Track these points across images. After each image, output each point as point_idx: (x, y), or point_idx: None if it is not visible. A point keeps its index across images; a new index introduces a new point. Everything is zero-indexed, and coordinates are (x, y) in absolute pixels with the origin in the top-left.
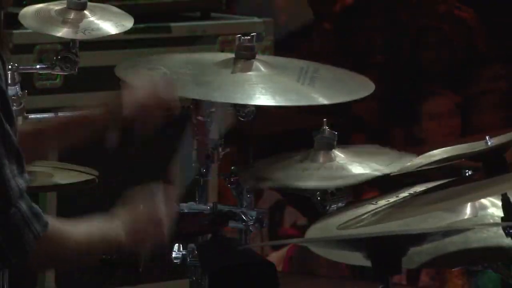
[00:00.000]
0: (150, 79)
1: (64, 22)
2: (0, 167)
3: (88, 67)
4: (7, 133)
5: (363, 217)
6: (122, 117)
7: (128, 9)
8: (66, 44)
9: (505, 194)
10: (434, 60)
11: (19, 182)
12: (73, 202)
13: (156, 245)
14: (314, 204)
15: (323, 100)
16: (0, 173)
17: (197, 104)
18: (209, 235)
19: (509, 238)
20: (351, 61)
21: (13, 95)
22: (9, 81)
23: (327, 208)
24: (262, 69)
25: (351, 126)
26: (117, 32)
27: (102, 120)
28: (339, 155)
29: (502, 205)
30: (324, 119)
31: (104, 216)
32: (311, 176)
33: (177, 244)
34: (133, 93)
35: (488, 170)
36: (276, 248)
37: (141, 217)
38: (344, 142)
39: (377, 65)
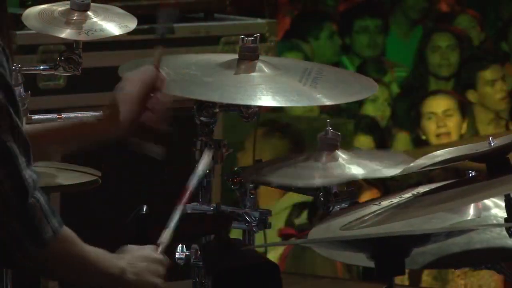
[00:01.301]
0: (140, 73)
1: (68, 23)
2: (14, 158)
3: (91, 68)
4: (16, 124)
5: (366, 217)
6: (123, 120)
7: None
8: (69, 45)
9: (508, 195)
10: (439, 60)
11: (31, 174)
12: (76, 202)
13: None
14: (318, 205)
15: (325, 101)
16: (14, 163)
17: (200, 104)
18: (213, 236)
19: None
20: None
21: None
22: (13, 82)
23: (330, 208)
24: (266, 70)
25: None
26: (121, 33)
27: (103, 126)
28: (342, 156)
29: (505, 206)
30: (328, 120)
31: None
32: (311, 174)
33: (180, 245)
34: (126, 93)
35: (491, 171)
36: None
37: (143, 258)
38: (349, 143)
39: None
